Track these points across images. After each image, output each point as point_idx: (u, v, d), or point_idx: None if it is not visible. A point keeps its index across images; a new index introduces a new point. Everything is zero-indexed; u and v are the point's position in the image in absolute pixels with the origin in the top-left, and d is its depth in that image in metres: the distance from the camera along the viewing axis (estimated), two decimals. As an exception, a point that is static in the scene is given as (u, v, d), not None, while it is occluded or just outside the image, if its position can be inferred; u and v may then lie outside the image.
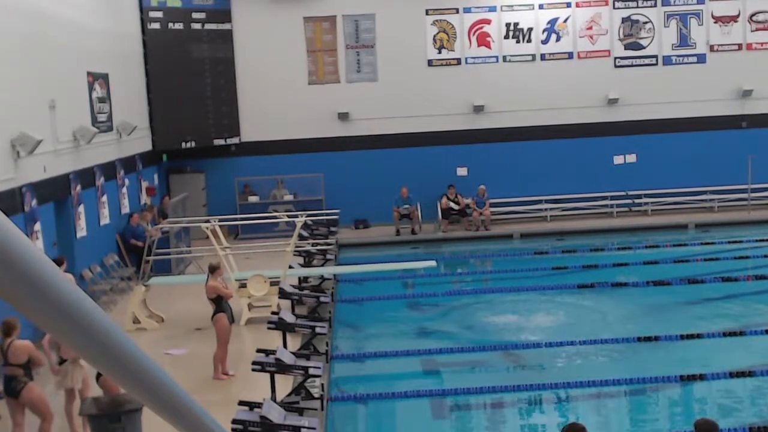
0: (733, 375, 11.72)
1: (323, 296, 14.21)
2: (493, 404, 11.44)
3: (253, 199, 23.36)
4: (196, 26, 23.04)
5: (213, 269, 12.06)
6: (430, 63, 24.08)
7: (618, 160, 24.15)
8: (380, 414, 11.44)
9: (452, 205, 22.93)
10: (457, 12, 23.97)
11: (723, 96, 24.24)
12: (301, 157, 23.68)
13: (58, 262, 13.09)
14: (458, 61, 24.04)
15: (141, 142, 21.14)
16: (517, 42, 24.08)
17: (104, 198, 17.77)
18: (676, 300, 16.14)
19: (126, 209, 19.22)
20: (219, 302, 11.80)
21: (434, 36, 24.04)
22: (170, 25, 22.50)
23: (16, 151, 13.24)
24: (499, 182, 23.66)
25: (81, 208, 16.22)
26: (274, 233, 20.19)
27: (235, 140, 23.82)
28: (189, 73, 22.85)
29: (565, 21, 24.10)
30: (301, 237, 16.99)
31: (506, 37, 24.06)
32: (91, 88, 17.45)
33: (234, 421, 8.47)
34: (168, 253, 17.87)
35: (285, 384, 10.76)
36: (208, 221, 16.04)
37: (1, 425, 9.60)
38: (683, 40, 24.29)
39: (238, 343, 13.02)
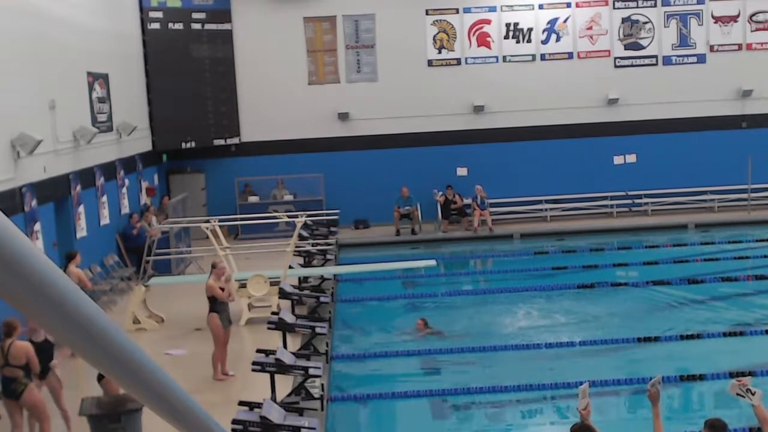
0: (733, 375, 11.68)
1: (323, 296, 14.21)
2: (493, 404, 11.44)
3: (253, 199, 23.36)
4: (196, 26, 23.04)
5: (213, 267, 12.08)
6: (430, 63, 24.08)
7: (618, 160, 24.15)
8: (380, 414, 11.44)
9: (450, 197, 22.88)
10: (457, 12, 23.97)
11: (723, 96, 24.24)
12: (301, 157, 23.69)
13: (71, 256, 13.14)
14: (458, 62, 24.04)
15: (141, 142, 21.14)
16: (517, 42, 24.08)
17: (104, 198, 17.77)
18: (676, 300, 16.14)
19: (126, 209, 19.23)
20: (213, 302, 11.81)
21: (434, 36, 24.04)
22: (170, 25, 22.50)
23: (16, 151, 13.24)
24: (500, 182, 23.66)
25: (81, 209, 16.22)
26: (274, 233, 20.18)
27: (235, 140, 23.82)
28: (189, 73, 22.85)
29: (565, 21, 24.10)
30: (301, 237, 16.99)
31: (506, 37, 24.06)
32: (91, 88, 17.44)
33: (234, 421, 8.47)
34: (168, 253, 17.88)
35: (285, 384, 10.76)
36: (208, 221, 16.04)
37: (1, 425, 9.60)
38: (683, 40, 24.29)
39: (238, 343, 13.03)
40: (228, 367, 11.91)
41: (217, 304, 11.80)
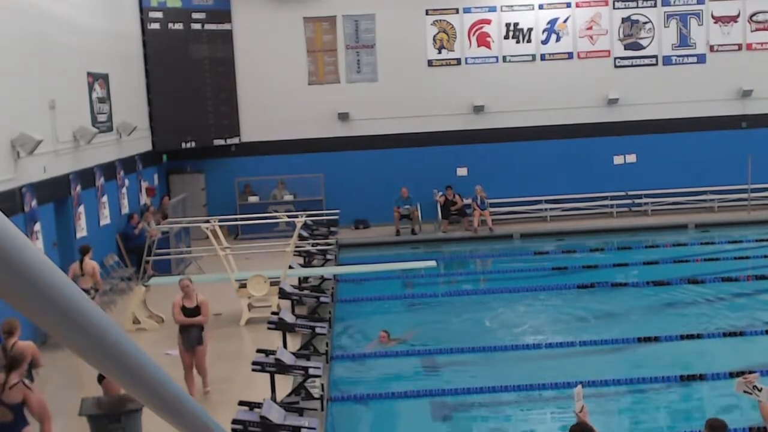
0: (733, 375, 11.70)
1: (323, 296, 14.21)
2: (493, 404, 11.43)
3: (253, 199, 23.36)
4: (196, 26, 23.04)
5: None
6: (430, 63, 24.09)
7: (618, 160, 24.15)
8: (380, 414, 11.43)
9: (450, 197, 22.89)
10: (457, 12, 23.98)
11: (723, 96, 24.25)
12: (301, 157, 23.69)
13: (86, 250, 13.22)
14: (458, 62, 24.04)
15: (141, 143, 21.14)
16: (517, 42, 24.08)
17: (104, 198, 17.77)
18: (676, 300, 16.14)
19: (126, 209, 19.23)
20: None
21: (434, 36, 24.04)
22: (170, 25, 22.50)
23: (16, 151, 13.24)
24: (499, 182, 23.66)
25: (81, 209, 16.22)
26: (274, 233, 20.19)
27: (235, 140, 23.83)
28: (189, 73, 22.85)
29: (565, 21, 24.10)
30: (301, 237, 16.99)
31: (506, 37, 24.07)
32: (91, 89, 17.44)
33: (234, 421, 8.47)
34: (168, 253, 17.87)
35: (285, 384, 10.76)
36: (208, 221, 16.04)
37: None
38: (683, 41, 24.29)
39: (238, 343, 13.04)
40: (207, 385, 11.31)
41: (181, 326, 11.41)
